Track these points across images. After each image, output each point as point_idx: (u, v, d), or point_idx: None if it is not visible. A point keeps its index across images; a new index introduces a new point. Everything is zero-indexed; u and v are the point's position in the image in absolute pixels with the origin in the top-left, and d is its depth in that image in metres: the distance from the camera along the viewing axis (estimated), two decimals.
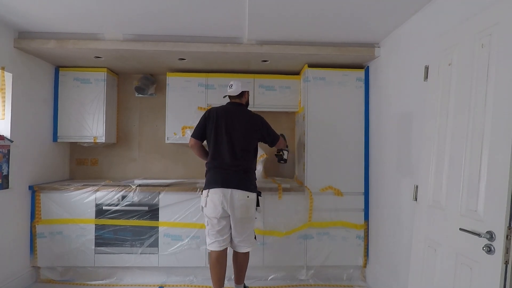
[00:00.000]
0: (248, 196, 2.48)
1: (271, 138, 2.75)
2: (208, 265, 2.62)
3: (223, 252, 2.56)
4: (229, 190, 2.45)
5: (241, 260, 2.63)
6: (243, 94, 2.72)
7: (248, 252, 2.63)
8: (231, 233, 2.57)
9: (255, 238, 2.66)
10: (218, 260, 2.53)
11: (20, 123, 2.93)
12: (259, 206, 2.64)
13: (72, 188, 3.08)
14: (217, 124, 2.56)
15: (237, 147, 2.54)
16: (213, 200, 2.47)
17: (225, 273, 2.58)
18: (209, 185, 2.52)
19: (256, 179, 2.67)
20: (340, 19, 2.51)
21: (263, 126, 2.68)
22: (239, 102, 2.71)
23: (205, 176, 2.61)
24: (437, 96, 1.90)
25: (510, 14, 1.42)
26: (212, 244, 2.53)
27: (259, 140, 2.71)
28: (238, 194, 2.46)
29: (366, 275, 3.22)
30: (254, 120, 2.65)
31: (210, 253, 2.56)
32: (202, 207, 2.55)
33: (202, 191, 2.59)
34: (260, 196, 2.67)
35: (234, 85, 2.67)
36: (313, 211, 3.16)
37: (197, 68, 3.54)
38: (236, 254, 2.63)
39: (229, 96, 2.72)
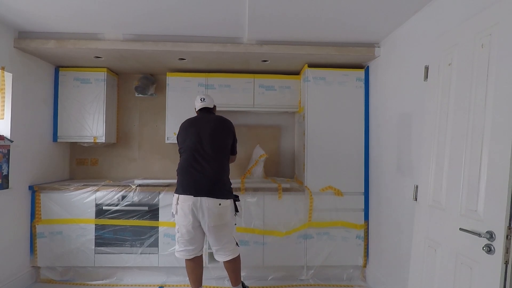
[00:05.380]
0: (220, 204, 2.36)
1: (235, 145, 2.70)
2: (198, 267, 2.55)
3: (197, 258, 2.53)
4: (198, 199, 2.34)
5: (229, 266, 2.53)
6: (214, 107, 2.79)
7: (236, 256, 2.52)
8: (204, 241, 2.52)
9: (237, 244, 2.53)
10: (194, 264, 2.51)
11: (20, 123, 2.93)
12: (238, 211, 2.53)
13: (72, 188, 3.08)
14: (188, 132, 2.53)
15: (207, 149, 2.44)
16: (183, 208, 2.37)
17: (202, 273, 2.58)
18: (178, 190, 2.44)
19: (231, 184, 2.54)
20: (340, 19, 2.51)
21: (234, 130, 2.66)
22: (210, 110, 2.71)
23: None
24: (437, 96, 1.90)
25: (510, 14, 1.42)
26: (181, 252, 2.48)
27: (231, 143, 2.64)
28: (209, 203, 2.34)
29: (366, 275, 3.22)
30: (226, 123, 2.61)
31: (185, 259, 2.51)
32: (173, 214, 2.47)
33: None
34: (238, 201, 2.55)
35: (207, 99, 2.71)
36: (313, 211, 3.16)
37: (197, 68, 3.54)
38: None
39: (202, 108, 2.70)
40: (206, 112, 2.68)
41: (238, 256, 2.55)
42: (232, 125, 2.65)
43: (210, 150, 2.45)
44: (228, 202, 2.43)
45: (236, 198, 2.53)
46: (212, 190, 2.37)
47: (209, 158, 2.44)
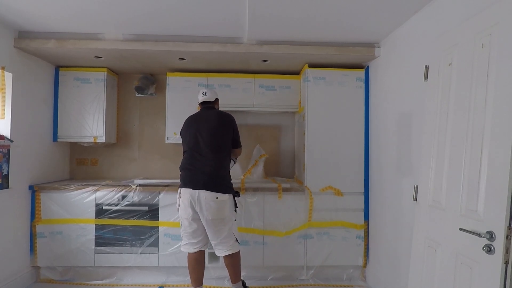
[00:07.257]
0: (217, 198, 2.41)
1: (238, 139, 2.70)
2: (198, 264, 2.58)
3: (200, 253, 2.56)
4: (196, 191, 2.41)
5: (229, 262, 2.55)
6: (217, 100, 2.79)
7: (236, 252, 2.55)
8: (207, 235, 2.55)
9: (236, 240, 2.55)
10: (196, 260, 2.54)
11: (20, 123, 2.93)
12: (237, 207, 2.59)
13: (72, 188, 3.08)
14: (188, 132, 2.59)
15: (205, 150, 2.50)
16: (183, 201, 2.47)
17: (203, 272, 2.60)
18: (180, 184, 2.54)
19: (231, 179, 2.59)
20: (340, 19, 2.51)
21: (234, 124, 2.66)
22: (211, 106, 2.73)
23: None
24: (437, 96, 1.90)
25: (510, 14, 1.42)
26: (185, 245, 2.55)
27: (232, 137, 2.63)
28: (206, 195, 2.40)
29: (366, 275, 3.22)
30: (226, 117, 2.63)
31: (188, 254, 2.56)
32: (177, 208, 2.55)
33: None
34: (238, 197, 2.60)
35: (209, 92, 2.72)
36: (313, 211, 3.16)
37: (197, 68, 3.54)
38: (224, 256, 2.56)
39: (203, 102, 2.73)
40: (207, 108, 2.71)
41: (238, 252, 2.58)
42: (232, 119, 2.65)
43: (207, 150, 2.50)
44: (226, 197, 2.47)
45: (236, 194, 2.58)
46: (209, 184, 2.43)
47: (207, 157, 2.50)
